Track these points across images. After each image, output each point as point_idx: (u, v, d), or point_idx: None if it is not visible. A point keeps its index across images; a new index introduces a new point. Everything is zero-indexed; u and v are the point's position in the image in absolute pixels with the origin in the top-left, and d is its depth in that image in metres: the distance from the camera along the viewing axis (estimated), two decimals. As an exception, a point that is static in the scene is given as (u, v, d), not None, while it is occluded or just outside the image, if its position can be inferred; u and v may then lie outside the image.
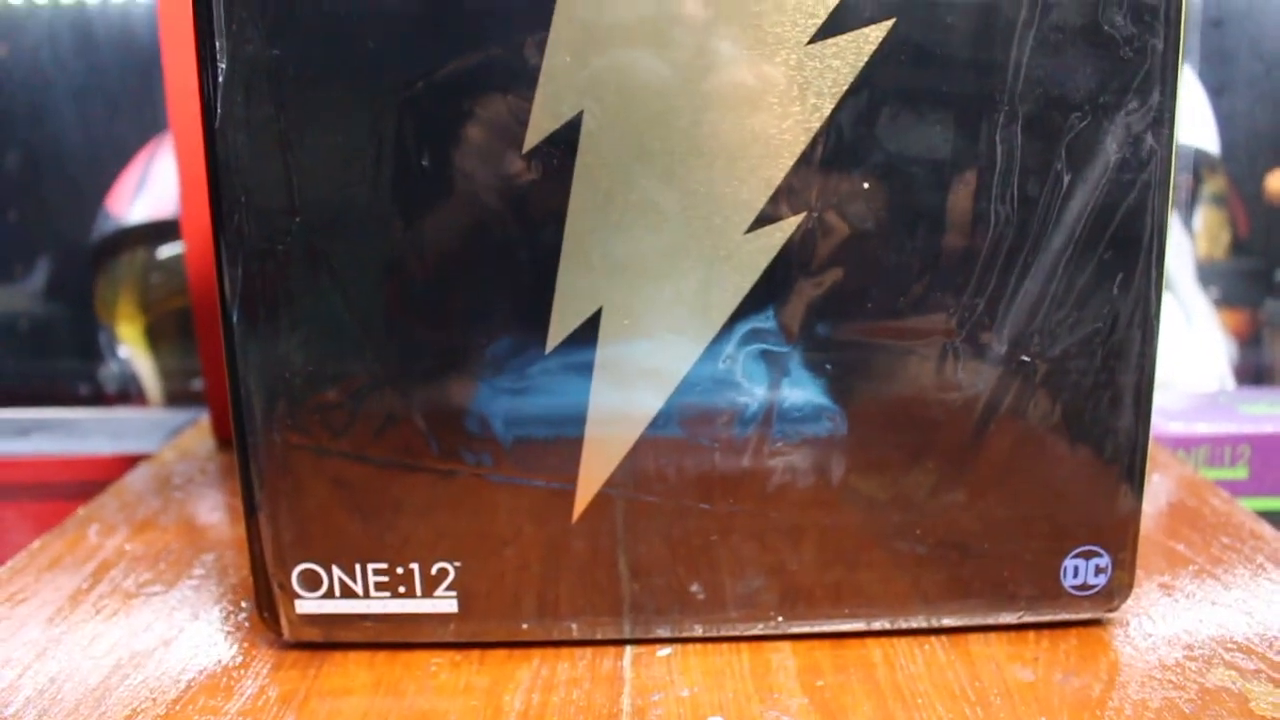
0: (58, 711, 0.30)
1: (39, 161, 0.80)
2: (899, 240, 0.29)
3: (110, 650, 0.33)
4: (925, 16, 0.28)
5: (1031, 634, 0.32)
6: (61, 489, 0.56)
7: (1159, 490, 0.45)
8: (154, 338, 0.76)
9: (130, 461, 0.53)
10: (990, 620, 0.32)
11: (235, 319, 0.29)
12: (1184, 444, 0.52)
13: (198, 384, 0.74)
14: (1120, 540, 0.32)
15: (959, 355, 0.30)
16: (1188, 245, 0.77)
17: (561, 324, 0.29)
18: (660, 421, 0.30)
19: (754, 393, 0.30)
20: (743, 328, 0.29)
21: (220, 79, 0.28)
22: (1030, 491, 0.31)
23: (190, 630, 0.34)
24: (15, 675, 0.32)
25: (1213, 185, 0.90)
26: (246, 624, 0.35)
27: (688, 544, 0.31)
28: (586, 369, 0.29)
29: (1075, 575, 0.32)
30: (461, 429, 0.30)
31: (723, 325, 0.29)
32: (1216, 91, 0.79)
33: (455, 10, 0.27)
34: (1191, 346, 0.73)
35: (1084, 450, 0.31)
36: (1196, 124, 0.78)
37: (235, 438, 0.31)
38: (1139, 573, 0.36)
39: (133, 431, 0.60)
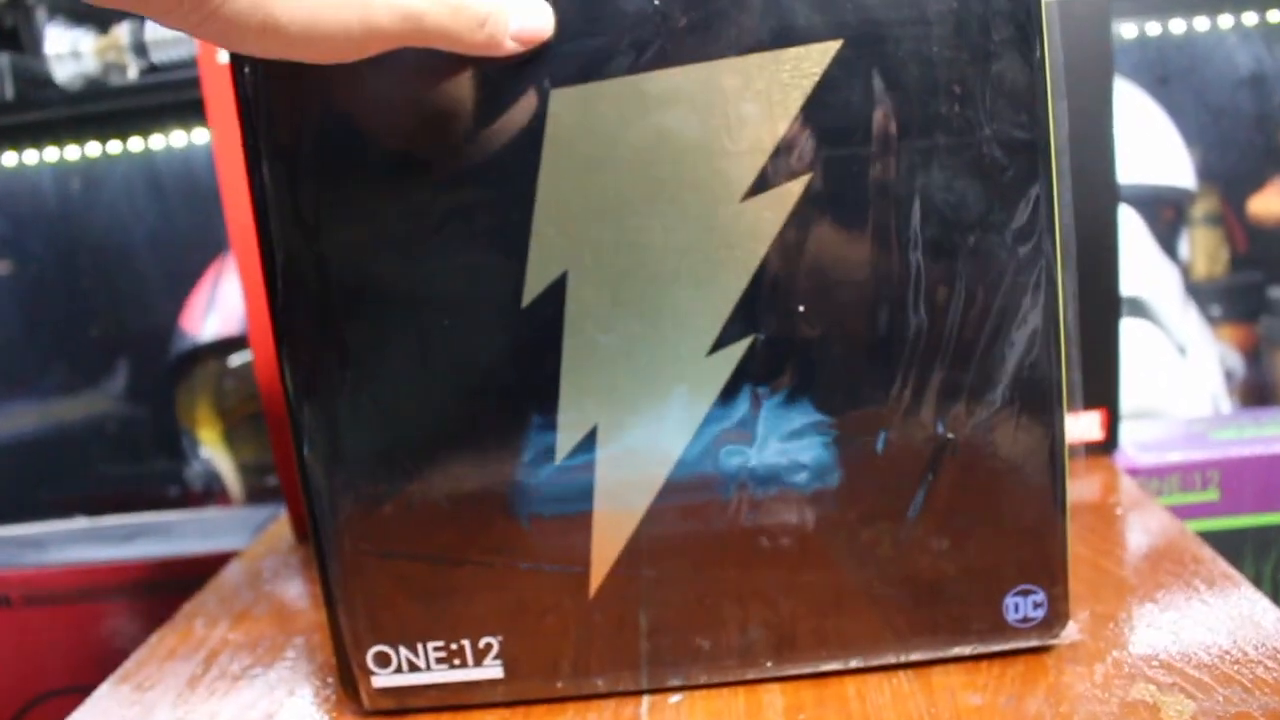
0: (189, 780, 0.37)
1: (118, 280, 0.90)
2: (832, 351, 0.35)
3: (226, 727, 0.40)
4: (834, 170, 0.34)
5: (985, 663, 0.38)
6: (165, 586, 0.64)
7: (1118, 522, 0.50)
8: (231, 439, 0.84)
9: (223, 559, 0.60)
10: (949, 653, 0.38)
11: (306, 453, 0.37)
12: (1157, 473, 0.58)
13: (273, 479, 0.82)
14: (1052, 577, 0.37)
15: (895, 437, 0.36)
16: (1174, 275, 0.82)
17: (565, 440, 0.36)
18: (652, 513, 0.37)
19: (728, 483, 0.36)
20: (712, 431, 0.36)
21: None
22: (969, 541, 0.37)
23: (289, 705, 0.41)
24: (152, 753, 0.39)
25: (1204, 207, 0.95)
26: (333, 697, 0.42)
27: (686, 609, 0.38)
28: (589, 473, 0.36)
29: (1017, 610, 0.38)
30: (493, 528, 0.37)
31: (695, 432, 0.36)
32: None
33: (456, 199, 0.34)
34: (1184, 376, 0.78)
35: (1009, 503, 0.37)
36: (1171, 164, 0.83)
37: (314, 546, 0.38)
38: (1090, 602, 0.42)
39: (221, 530, 0.68)
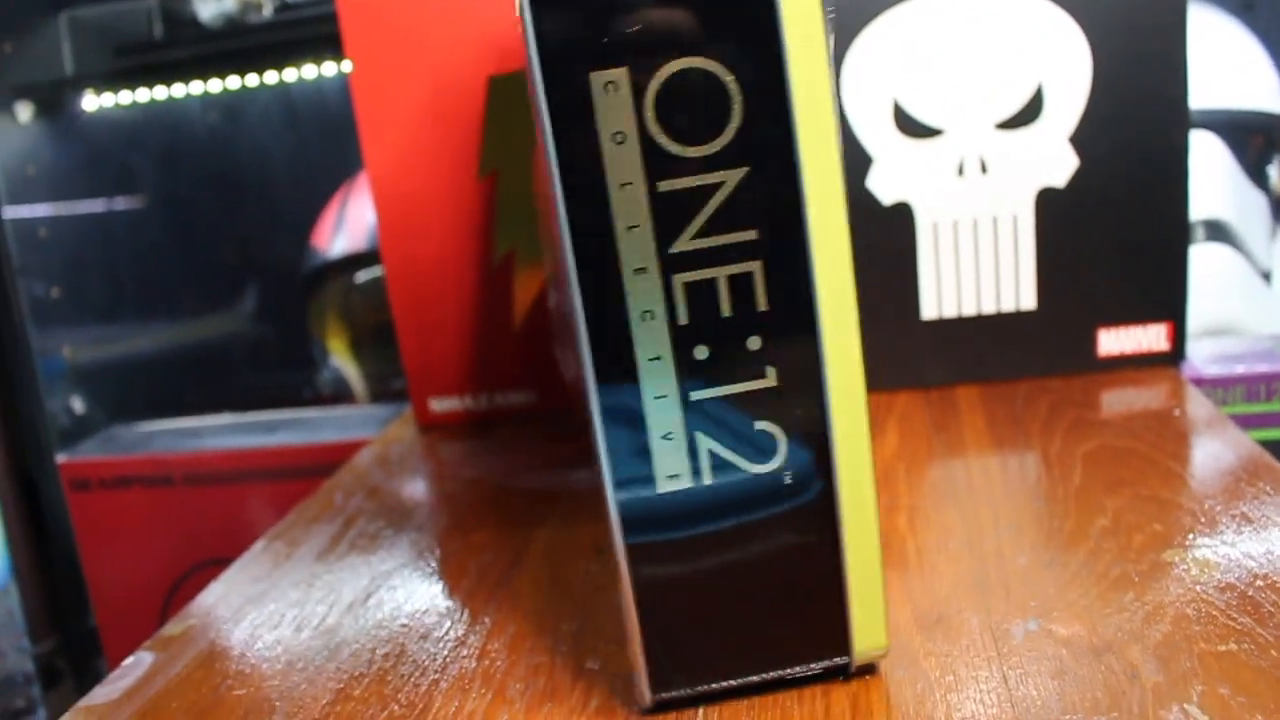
0: (341, 605, 0.44)
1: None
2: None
3: (368, 570, 0.47)
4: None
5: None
6: (304, 471, 0.72)
7: (1175, 422, 0.54)
8: (357, 348, 0.92)
9: (355, 446, 0.68)
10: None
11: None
12: (1222, 383, 0.60)
13: (395, 384, 0.90)
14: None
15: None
16: (1261, 202, 0.83)
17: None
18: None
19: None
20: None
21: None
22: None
23: (420, 560, 0.48)
24: (307, 587, 0.46)
25: (1303, 134, 0.95)
26: (455, 555, 0.48)
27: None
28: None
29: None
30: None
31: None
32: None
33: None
34: (1266, 299, 0.79)
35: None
36: (1257, 88, 0.83)
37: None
38: (1137, 485, 0.46)
39: (353, 424, 0.76)
